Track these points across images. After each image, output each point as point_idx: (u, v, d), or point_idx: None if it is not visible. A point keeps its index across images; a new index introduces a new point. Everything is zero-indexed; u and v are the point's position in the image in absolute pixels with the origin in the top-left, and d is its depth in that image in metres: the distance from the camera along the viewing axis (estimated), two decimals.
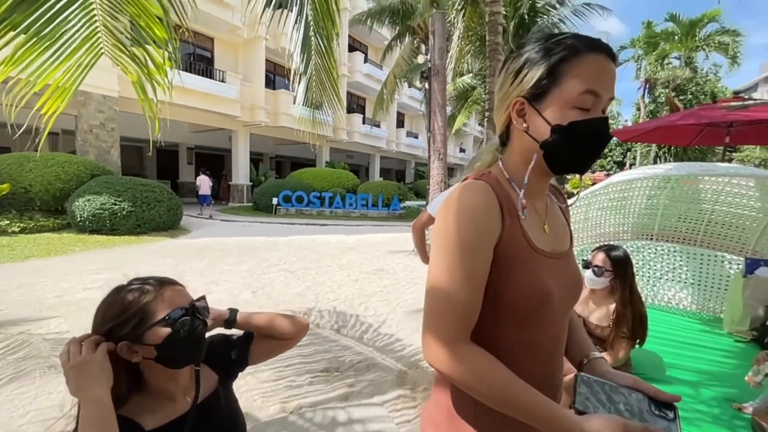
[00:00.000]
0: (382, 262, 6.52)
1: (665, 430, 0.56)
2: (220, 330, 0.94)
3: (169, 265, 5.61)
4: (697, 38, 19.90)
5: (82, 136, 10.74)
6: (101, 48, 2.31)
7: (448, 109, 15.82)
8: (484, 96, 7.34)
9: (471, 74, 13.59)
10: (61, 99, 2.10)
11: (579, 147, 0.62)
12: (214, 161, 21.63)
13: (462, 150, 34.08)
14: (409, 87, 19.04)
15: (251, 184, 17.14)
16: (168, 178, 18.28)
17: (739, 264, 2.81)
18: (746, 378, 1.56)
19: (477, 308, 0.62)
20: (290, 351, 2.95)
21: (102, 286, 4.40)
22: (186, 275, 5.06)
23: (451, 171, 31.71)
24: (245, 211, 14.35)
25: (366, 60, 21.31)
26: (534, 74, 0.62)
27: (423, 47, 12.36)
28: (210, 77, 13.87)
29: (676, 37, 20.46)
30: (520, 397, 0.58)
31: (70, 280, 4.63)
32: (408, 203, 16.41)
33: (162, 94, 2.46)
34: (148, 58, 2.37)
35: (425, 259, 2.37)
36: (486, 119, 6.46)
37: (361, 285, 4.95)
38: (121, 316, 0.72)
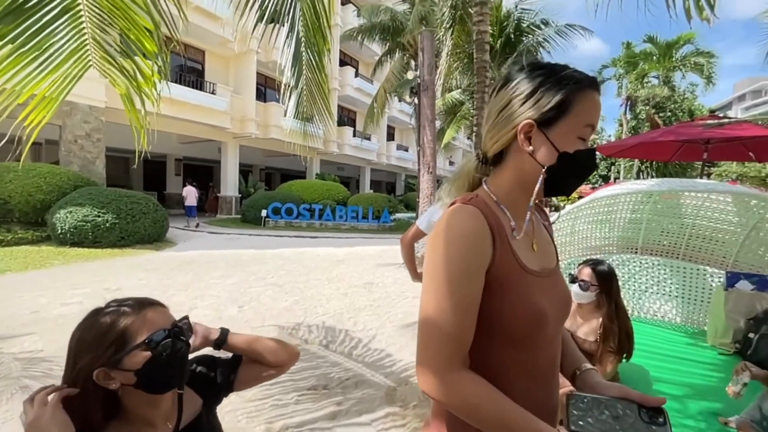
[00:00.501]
0: (372, 275, 6.48)
1: None
2: (208, 350, 0.91)
3: (153, 279, 5.47)
4: (673, 59, 20.85)
5: (66, 147, 10.53)
6: (89, 60, 2.29)
7: (438, 124, 16.08)
8: (472, 111, 7.50)
9: (459, 90, 13.90)
10: (46, 110, 2.07)
11: (576, 174, 0.67)
12: (203, 172, 21.41)
13: (451, 163, 34.51)
14: (399, 101, 19.36)
15: (240, 195, 16.98)
16: (155, 189, 18.01)
17: (720, 277, 2.88)
18: (727, 389, 1.58)
19: (471, 335, 0.62)
20: None
21: (81, 301, 4.25)
22: (170, 289, 4.94)
23: (440, 184, 32.01)
24: (233, 223, 14.17)
25: (357, 74, 21.61)
26: (547, 101, 0.64)
27: (413, 63, 12.63)
28: (200, 89, 13.86)
29: (654, 57, 21.40)
30: (516, 423, 0.57)
31: (48, 295, 4.47)
32: (398, 215, 16.44)
33: (151, 106, 2.45)
34: (137, 70, 2.36)
35: (414, 274, 2.35)
36: (474, 134, 6.58)
37: (350, 299, 4.90)
38: (98, 342, 0.68)
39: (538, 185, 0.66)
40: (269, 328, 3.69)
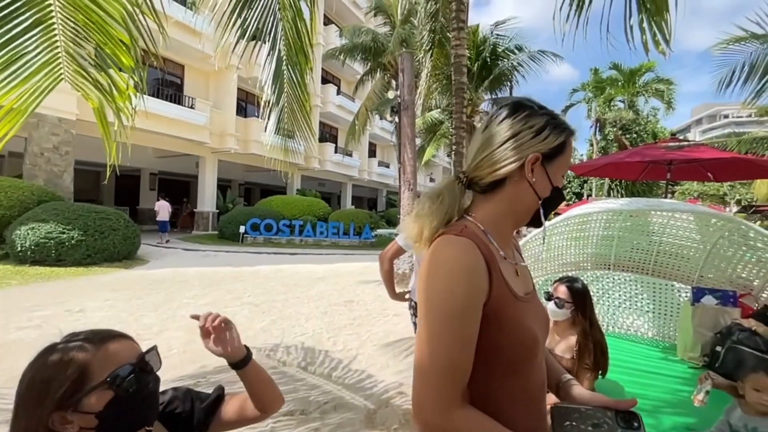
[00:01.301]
0: (353, 292, 6.40)
1: None
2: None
3: (120, 300, 5.19)
4: (637, 85, 22.36)
5: (31, 160, 10.04)
6: (61, 73, 2.23)
7: (418, 142, 16.40)
8: (451, 130, 7.70)
9: (439, 110, 14.29)
10: (12, 122, 1.98)
11: (554, 207, 0.74)
12: (179, 187, 20.84)
13: (432, 180, 35.09)
14: (381, 119, 19.67)
15: (218, 211, 16.57)
16: (127, 204, 17.33)
17: (687, 292, 3.01)
18: (692, 397, 1.64)
19: (469, 369, 0.62)
20: None
21: (40, 324, 3.96)
22: (139, 310, 4.69)
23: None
24: (210, 239, 13.75)
25: (339, 92, 21.91)
26: (554, 139, 0.69)
27: (393, 83, 12.94)
28: (179, 103, 13.65)
29: (620, 83, 22.87)
30: None
31: (1, 318, 4.15)
32: (380, 231, 16.43)
33: (126, 120, 2.38)
34: (112, 84, 2.31)
35: (392, 292, 2.34)
36: (453, 152, 6.75)
37: (330, 318, 4.80)
38: (52, 382, 0.61)
39: (538, 213, 0.71)
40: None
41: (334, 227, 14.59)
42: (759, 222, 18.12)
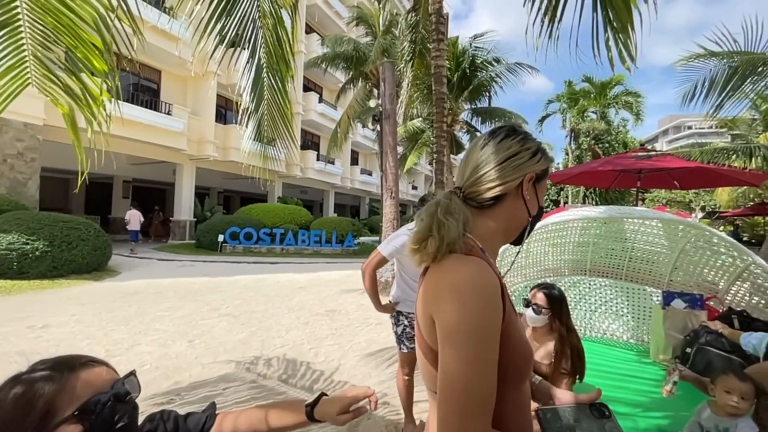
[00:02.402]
0: (335, 302, 6.32)
1: (609, 427, 0.70)
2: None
3: (89, 314, 4.93)
4: (607, 97, 23.46)
5: None
6: (28, 77, 2.14)
7: (400, 150, 16.54)
8: (432, 139, 7.82)
9: (420, 118, 14.49)
10: None
11: (534, 226, 0.78)
12: (155, 195, 20.18)
13: (414, 187, 35.36)
14: (363, 127, 19.76)
15: (195, 220, 16.11)
16: (98, 213, 16.63)
17: (658, 296, 3.13)
18: (662, 389, 1.70)
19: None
20: (228, 410, 2.66)
21: None
22: (108, 325, 4.47)
23: (404, 208, 32.56)
24: (187, 249, 13.32)
25: (321, 100, 21.89)
26: (544, 163, 0.75)
27: (375, 91, 13.04)
28: (155, 109, 13.29)
29: (592, 95, 23.92)
30: None
31: None
32: (362, 239, 16.37)
33: (98, 126, 2.29)
34: (84, 89, 2.23)
35: (378, 304, 2.30)
36: (435, 160, 6.84)
37: (311, 328, 4.72)
38: (15, 418, 0.55)
39: (527, 229, 0.75)
40: (222, 363, 3.43)
41: (316, 235, 14.43)
42: (722, 227, 19.16)
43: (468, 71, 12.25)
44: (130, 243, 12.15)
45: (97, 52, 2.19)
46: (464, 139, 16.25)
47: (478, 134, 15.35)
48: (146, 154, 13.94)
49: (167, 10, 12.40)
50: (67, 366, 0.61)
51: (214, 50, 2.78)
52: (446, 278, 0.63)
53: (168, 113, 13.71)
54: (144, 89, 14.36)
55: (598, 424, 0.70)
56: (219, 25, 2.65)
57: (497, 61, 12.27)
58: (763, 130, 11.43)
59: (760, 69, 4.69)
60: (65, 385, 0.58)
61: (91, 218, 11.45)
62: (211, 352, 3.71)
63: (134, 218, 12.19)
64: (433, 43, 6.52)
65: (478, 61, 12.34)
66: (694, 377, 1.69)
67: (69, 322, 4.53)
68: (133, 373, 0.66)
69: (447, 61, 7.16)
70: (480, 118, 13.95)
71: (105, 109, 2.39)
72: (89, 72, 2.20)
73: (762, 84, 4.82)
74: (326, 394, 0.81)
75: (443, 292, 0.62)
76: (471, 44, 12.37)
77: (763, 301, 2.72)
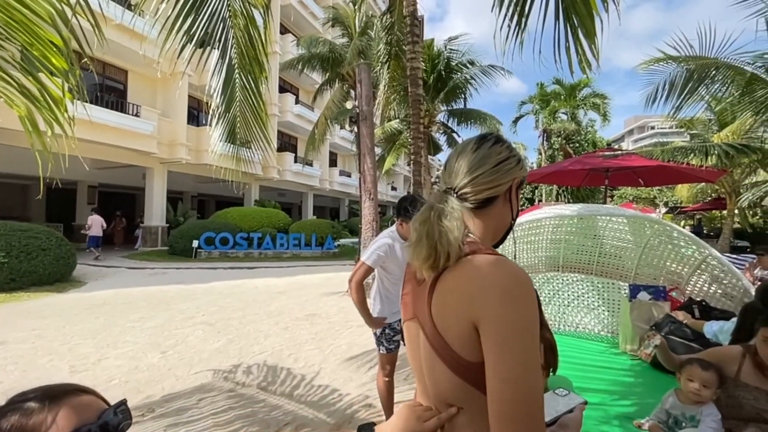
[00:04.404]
0: (315, 305, 6.24)
1: (570, 402, 0.81)
2: None
3: (51, 328, 4.65)
4: (576, 99, 24.40)
5: None
6: None
7: (378, 151, 16.56)
8: (409, 140, 7.87)
9: (398, 120, 14.57)
10: None
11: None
12: (123, 200, 19.30)
13: (394, 188, 35.45)
14: (341, 128, 19.65)
15: (168, 225, 15.52)
16: (61, 221, 15.72)
17: (625, 290, 3.28)
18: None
19: None
20: (204, 422, 2.54)
21: None
22: (73, 339, 4.23)
23: (383, 209, 32.62)
24: (159, 256, 12.81)
25: (297, 101, 21.61)
26: (525, 171, 0.78)
27: (352, 93, 13.00)
28: (122, 111, 12.71)
29: (562, 96, 24.82)
30: None
31: None
32: (342, 241, 16.26)
33: (60, 128, 2.17)
34: (43, 90, 2.10)
35: (369, 319, 2.23)
36: (412, 161, 6.89)
37: (291, 333, 4.63)
38: None
39: (510, 231, 0.78)
40: (198, 374, 3.31)
41: (295, 238, 14.21)
42: (683, 221, 20.28)
43: (443, 73, 12.42)
44: (91, 250, 11.60)
45: (55, 50, 2.07)
46: (441, 140, 16.44)
47: (455, 135, 15.56)
48: (113, 157, 13.31)
49: (132, 7, 11.91)
50: (49, 396, 0.56)
51: (182, 49, 2.69)
52: (488, 280, 0.60)
53: (136, 115, 13.15)
54: (109, 90, 13.73)
55: (562, 400, 0.81)
56: (186, 24, 2.57)
57: (471, 63, 12.51)
58: (718, 130, 12.21)
59: (713, 73, 5.00)
60: (47, 416, 0.53)
61: (53, 226, 10.82)
62: (186, 363, 3.57)
63: (96, 224, 11.66)
64: (408, 45, 6.57)
65: (453, 64, 12.54)
66: (666, 349, 1.76)
67: (29, 338, 4.25)
68: (123, 403, 0.61)
69: (423, 63, 7.22)
70: (456, 120, 14.17)
71: (67, 111, 2.26)
72: (47, 71, 2.08)
73: (715, 87, 5.13)
74: (375, 424, 0.74)
75: (489, 295, 0.59)
76: (446, 47, 12.55)
77: (720, 290, 2.89)
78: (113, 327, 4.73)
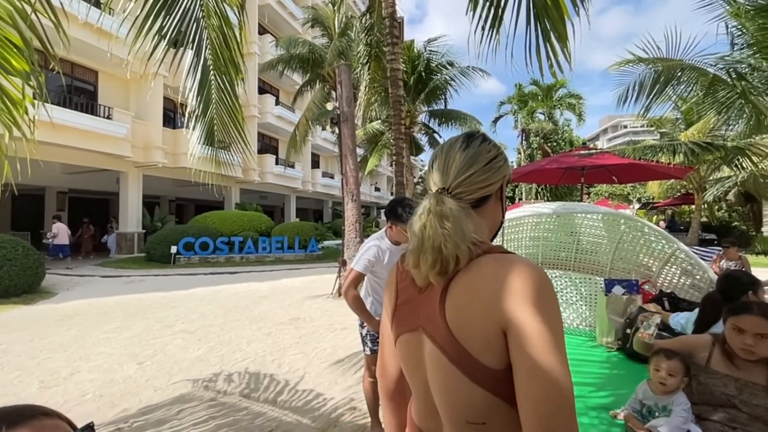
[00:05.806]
0: (299, 309, 6.17)
1: None
2: None
3: (18, 342, 4.41)
4: (553, 99, 25.10)
5: None
6: None
7: (361, 152, 16.53)
8: (391, 141, 7.89)
9: (379, 121, 14.59)
10: None
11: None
12: (96, 206, 18.55)
13: (377, 189, 35.46)
14: (323, 129, 19.52)
15: (144, 231, 15.02)
16: (28, 228, 14.93)
17: (601, 284, 3.38)
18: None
19: None
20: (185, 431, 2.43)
21: None
22: (42, 353, 4.03)
23: (367, 210, 32.55)
24: (136, 263, 12.36)
25: (277, 102, 21.33)
26: (511, 170, 0.77)
27: (333, 93, 12.93)
28: (92, 113, 12.22)
29: (539, 97, 25.47)
30: None
31: None
32: (326, 243, 16.13)
33: (21, 132, 2.06)
34: (1, 92, 1.99)
35: (371, 321, 2.19)
36: (394, 162, 6.91)
37: (274, 338, 4.56)
38: None
39: (501, 230, 0.77)
40: (177, 384, 3.21)
41: (277, 242, 14.00)
42: (655, 216, 21.13)
43: (424, 74, 12.52)
44: (58, 259, 11.16)
45: (14, 50, 1.97)
46: (423, 140, 16.56)
47: (436, 136, 15.69)
48: (84, 162, 12.78)
49: (99, 4, 11.49)
50: (6, 421, 0.50)
51: (154, 49, 2.60)
52: (516, 281, 0.58)
53: (108, 117, 12.67)
54: (79, 91, 13.18)
55: None
56: (158, 23, 2.49)
57: (451, 64, 12.67)
58: (685, 129, 12.78)
59: (678, 74, 5.23)
60: None
61: (19, 235, 10.28)
62: (165, 373, 3.46)
63: (62, 231, 11.20)
64: (388, 47, 6.59)
65: (433, 65, 12.66)
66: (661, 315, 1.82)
67: None
68: (90, 426, 0.55)
69: (403, 65, 7.27)
70: (437, 120, 14.31)
71: (28, 113, 2.15)
72: (5, 72, 1.97)
73: (681, 87, 5.37)
74: None
75: (519, 297, 0.57)
76: (426, 48, 12.66)
77: (688, 282, 3.02)
78: (86, 339, 4.53)
